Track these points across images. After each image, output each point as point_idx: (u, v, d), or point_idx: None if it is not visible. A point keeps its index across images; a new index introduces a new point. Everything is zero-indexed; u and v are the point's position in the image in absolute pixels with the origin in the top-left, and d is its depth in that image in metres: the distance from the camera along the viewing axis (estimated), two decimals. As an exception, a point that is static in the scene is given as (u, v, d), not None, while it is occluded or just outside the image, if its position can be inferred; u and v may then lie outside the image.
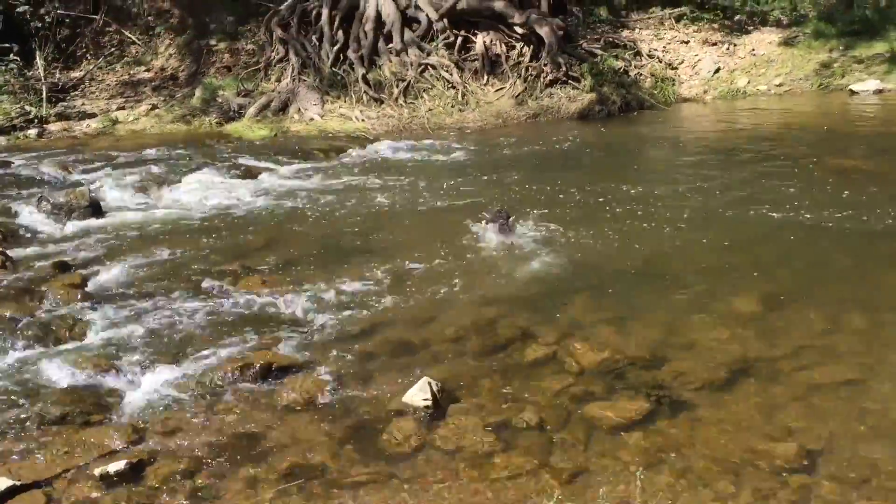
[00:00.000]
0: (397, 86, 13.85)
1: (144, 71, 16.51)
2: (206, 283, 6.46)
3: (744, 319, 5.42)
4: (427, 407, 4.36)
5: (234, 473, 3.95)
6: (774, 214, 7.52)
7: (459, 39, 14.56)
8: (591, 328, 5.45)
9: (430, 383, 4.44)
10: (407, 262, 6.78)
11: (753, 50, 15.66)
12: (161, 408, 4.59)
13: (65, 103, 15.51)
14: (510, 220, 7.43)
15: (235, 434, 4.29)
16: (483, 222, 7.51)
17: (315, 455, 4.06)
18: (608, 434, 4.17)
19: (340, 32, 14.46)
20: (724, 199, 8.15)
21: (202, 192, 9.97)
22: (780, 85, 14.84)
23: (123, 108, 15.33)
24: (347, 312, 5.80)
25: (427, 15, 14.61)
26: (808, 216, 7.40)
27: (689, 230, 7.33)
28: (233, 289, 6.37)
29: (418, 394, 4.38)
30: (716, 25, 16.22)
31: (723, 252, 6.78)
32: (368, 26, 14.38)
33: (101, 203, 9.21)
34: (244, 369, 4.84)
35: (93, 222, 8.69)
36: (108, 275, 6.82)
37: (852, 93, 14.00)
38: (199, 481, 3.89)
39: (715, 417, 4.27)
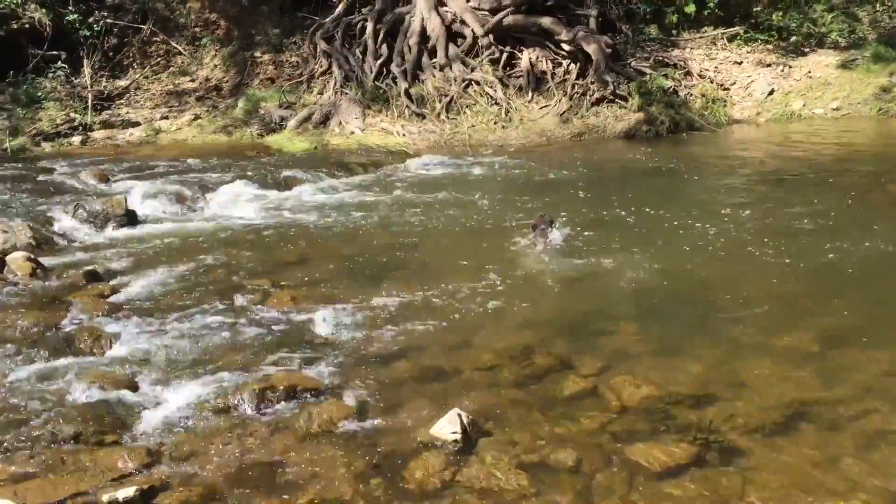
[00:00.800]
0: (440, 101, 13.67)
1: (189, 81, 16.57)
2: (235, 299, 6.29)
3: (800, 358, 5.04)
4: (456, 441, 4.07)
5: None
6: (832, 244, 7.11)
7: (505, 55, 14.36)
8: (633, 360, 5.12)
9: (459, 415, 4.16)
10: (442, 283, 6.52)
11: (809, 72, 15.18)
12: (178, 429, 4.36)
13: (109, 111, 15.61)
14: (553, 225, 7.48)
15: (254, 461, 4.05)
16: (531, 232, 7.54)
17: (337, 488, 3.79)
18: (651, 480, 3.84)
19: (384, 46, 14.35)
20: (777, 227, 7.75)
21: (237, 203, 9.90)
22: (836, 109, 14.32)
23: (167, 118, 15.38)
24: (377, 334, 5.56)
25: (472, 30, 14.42)
26: (869, 248, 6.98)
27: (739, 259, 6.95)
28: (261, 305, 6.18)
29: (447, 426, 4.10)
30: (770, 46, 15.76)
31: (776, 284, 6.39)
32: (413, 40, 14.24)
33: (137, 212, 9.16)
34: (267, 391, 4.60)
35: (128, 231, 8.64)
36: (137, 286, 6.70)
37: (913, 118, 13.46)
38: (215, 512, 3.66)
39: (769, 466, 3.91)
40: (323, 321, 5.77)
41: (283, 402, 4.57)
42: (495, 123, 13.53)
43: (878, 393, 4.55)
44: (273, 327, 5.72)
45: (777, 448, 4.08)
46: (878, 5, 16.52)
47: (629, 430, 4.28)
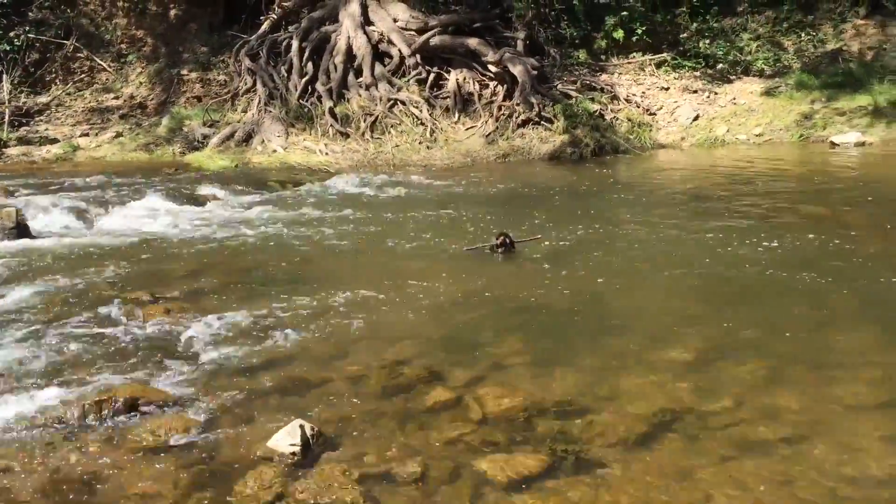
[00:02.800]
0: (364, 120, 13.50)
1: (113, 98, 16.18)
2: (106, 310, 5.99)
3: (678, 370, 4.86)
4: (293, 454, 3.79)
5: (52, 524, 3.38)
6: (732, 262, 7.03)
7: (432, 76, 14.27)
8: (507, 372, 4.91)
9: (302, 427, 3.88)
10: (333, 297, 6.28)
11: (734, 99, 15.35)
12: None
13: (28, 128, 15.17)
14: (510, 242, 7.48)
15: (75, 476, 3.72)
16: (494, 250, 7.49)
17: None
18: (497, 491, 3.60)
19: (310, 64, 14.16)
20: (684, 247, 7.66)
21: (143, 218, 9.62)
22: (759, 135, 14.48)
23: (87, 135, 14.99)
24: (248, 346, 5.27)
25: (399, 50, 14.32)
26: (769, 264, 6.91)
27: (639, 276, 6.83)
28: (133, 317, 5.87)
29: (285, 438, 3.82)
30: (697, 73, 15.92)
31: (670, 300, 6.27)
32: (338, 59, 14.08)
33: (31, 226, 8.78)
34: (105, 404, 4.28)
35: (17, 244, 8.28)
36: (12, 298, 6.37)
37: (833, 144, 13.62)
38: (9, 531, 3.32)
39: (624, 477, 3.70)
40: (191, 333, 5.47)
41: (121, 415, 4.25)
42: (420, 143, 13.38)
43: (748, 406, 4.38)
44: (137, 339, 5.41)
45: (636, 459, 3.88)
46: (802, 35, 16.83)
47: (485, 441, 4.04)
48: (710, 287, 6.49)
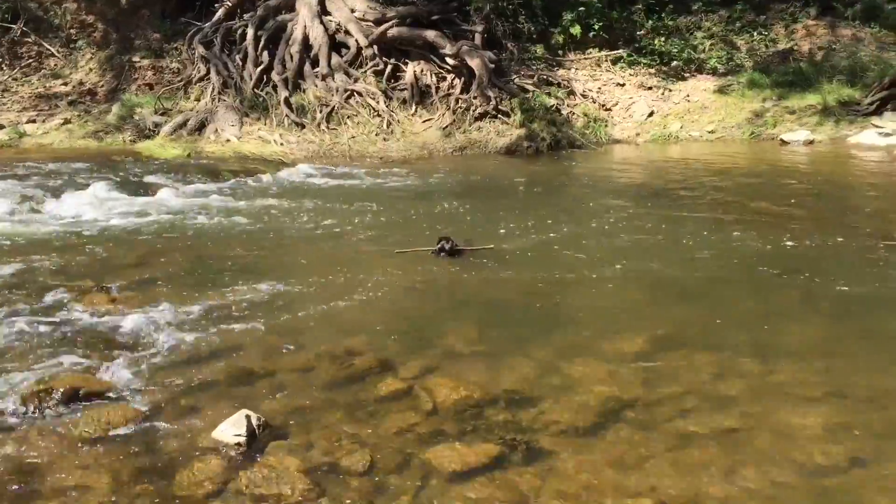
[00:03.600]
0: (320, 111, 13.37)
1: (62, 84, 15.75)
2: (48, 298, 5.83)
3: (628, 361, 4.89)
4: (238, 444, 3.72)
5: (-14, 517, 3.27)
6: (683, 256, 7.13)
7: (389, 67, 14.18)
8: (460, 363, 4.89)
9: (248, 417, 3.82)
10: (285, 287, 6.20)
11: (688, 96, 15.54)
12: (-72, 436, 3.88)
13: (-29, 113, 14.68)
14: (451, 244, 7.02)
15: (7, 468, 3.59)
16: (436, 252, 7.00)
17: (92, 496, 3.39)
18: (445, 482, 3.58)
19: (265, 54, 13.96)
20: (634, 240, 7.73)
21: (91, 206, 9.36)
22: (712, 132, 14.68)
23: (34, 122, 14.57)
24: (195, 336, 5.16)
25: (357, 41, 14.21)
26: (718, 258, 7.01)
27: (592, 270, 6.84)
28: (76, 306, 5.72)
29: (230, 429, 3.75)
30: (652, 70, 16.08)
31: (621, 293, 6.31)
32: (294, 49, 13.90)
33: (-34, 213, 8.54)
34: (44, 394, 4.16)
35: (-45, 231, 7.99)
36: (-58, 286, 6.14)
37: (783, 142, 13.88)
38: (-62, 525, 3.20)
39: (570, 467, 3.71)
40: (137, 322, 5.34)
41: (61, 406, 4.13)
42: (377, 135, 13.30)
43: (697, 395, 4.43)
44: (79, 329, 5.28)
45: (585, 448, 3.89)
46: (755, 34, 17.10)
47: (435, 431, 4.02)
48: (660, 281, 6.55)
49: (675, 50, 16.30)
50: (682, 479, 3.61)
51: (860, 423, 4.11)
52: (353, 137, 13.16)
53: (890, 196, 10.26)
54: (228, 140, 12.91)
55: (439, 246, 6.94)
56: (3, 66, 16.00)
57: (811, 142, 13.72)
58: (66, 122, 14.46)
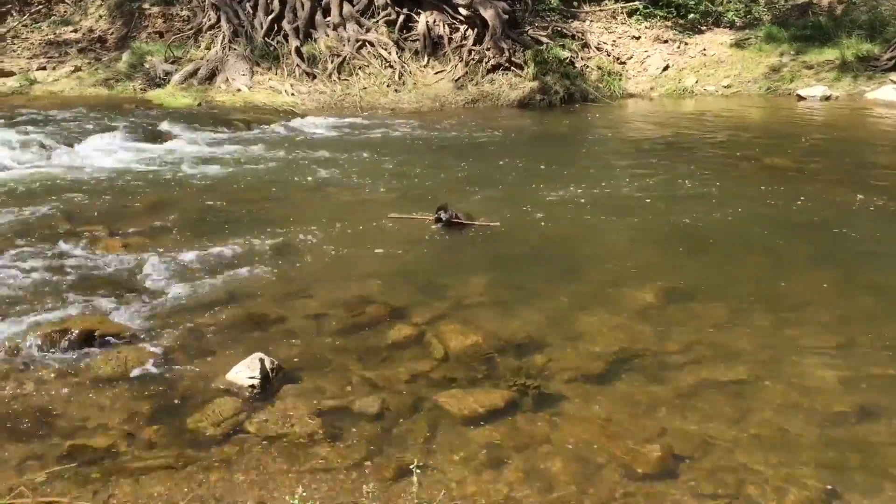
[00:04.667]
0: (332, 61, 13.22)
1: (72, 31, 15.63)
2: (62, 244, 5.87)
3: (639, 310, 4.91)
4: (252, 387, 3.77)
5: (5, 451, 3.32)
6: (697, 209, 7.05)
7: (401, 18, 13.97)
8: (472, 310, 4.91)
9: (262, 360, 3.85)
10: (296, 236, 6.22)
11: (704, 50, 15.28)
12: (-53, 374, 3.94)
13: (-19, 60, 14.61)
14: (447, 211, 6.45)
15: (24, 407, 3.66)
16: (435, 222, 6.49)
17: (108, 436, 3.45)
18: (456, 426, 3.62)
19: (276, 2, 13.75)
20: (649, 192, 7.67)
21: (102, 154, 9.37)
22: (727, 86, 14.47)
23: (44, 69, 14.49)
24: (207, 281, 5.20)
25: (369, -11, 13.99)
26: (731, 212, 6.94)
27: (607, 220, 6.82)
28: (89, 250, 5.77)
29: (244, 371, 3.79)
30: (668, 23, 15.79)
31: (635, 243, 6.30)
32: (306, -3, 13.71)
33: (-19, 159, 8.56)
34: (59, 335, 4.21)
35: (-33, 177, 8.02)
36: (-43, 229, 6.20)
37: (799, 98, 13.67)
38: (-40, 459, 3.26)
39: (581, 413, 3.74)
40: (150, 267, 5.38)
41: (75, 347, 4.18)
42: (388, 87, 13.15)
43: (707, 345, 4.45)
44: (93, 273, 5.32)
45: (595, 396, 3.92)
46: (774, -13, 16.78)
47: (446, 377, 4.05)
48: (672, 234, 6.51)
49: (692, 2, 15.99)
50: (692, 426, 3.64)
51: (871, 374, 4.12)
52: (365, 88, 13.03)
53: (906, 153, 10.14)
54: (239, 90, 12.82)
55: (436, 215, 6.44)
56: (12, 11, 15.88)
57: (828, 97, 13.52)
58: (77, 69, 14.37)
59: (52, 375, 3.94)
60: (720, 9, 16.24)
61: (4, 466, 3.24)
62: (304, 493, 2.96)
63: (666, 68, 14.82)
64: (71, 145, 9.54)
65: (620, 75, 14.50)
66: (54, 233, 6.17)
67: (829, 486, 3.23)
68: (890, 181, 8.18)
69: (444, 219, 6.38)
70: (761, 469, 3.32)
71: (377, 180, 8.16)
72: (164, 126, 10.76)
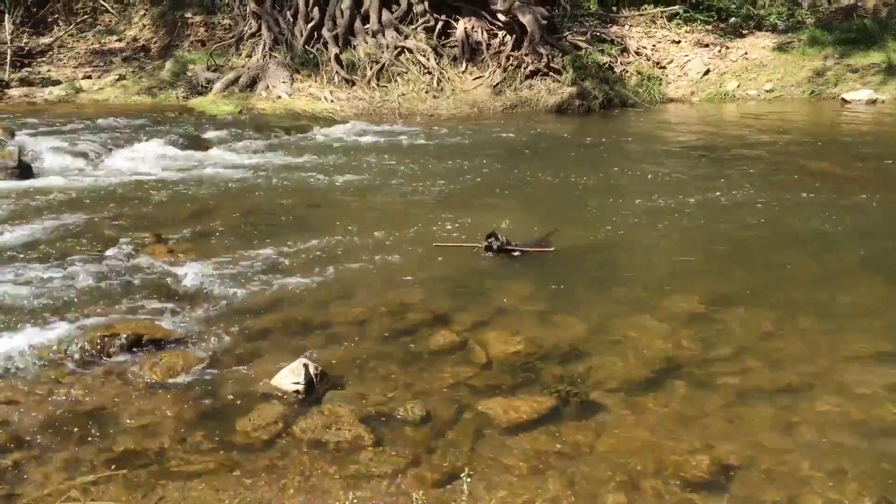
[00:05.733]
0: (371, 68, 13.32)
1: (116, 41, 15.98)
2: (109, 250, 5.98)
3: (683, 318, 4.85)
4: (297, 392, 3.79)
5: (57, 454, 3.38)
6: (741, 215, 7.00)
7: (440, 24, 14.05)
8: (514, 317, 4.90)
9: (306, 366, 3.88)
10: (338, 241, 6.28)
11: (746, 54, 15.12)
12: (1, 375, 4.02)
13: (30, 69, 15.00)
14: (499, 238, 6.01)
15: (75, 411, 3.72)
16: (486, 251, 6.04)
17: (156, 439, 3.49)
18: (500, 434, 3.61)
19: (316, 9, 13.92)
20: (692, 199, 7.59)
21: (147, 161, 9.56)
22: (770, 90, 14.29)
23: (90, 77, 14.83)
24: (251, 287, 5.25)
25: (408, -4, 14.07)
26: (776, 219, 6.87)
27: (647, 226, 6.79)
28: (136, 256, 5.85)
29: (289, 376, 3.82)
30: (709, 27, 15.67)
31: (677, 251, 6.24)
32: (345, 5, 13.83)
33: (34, 166, 8.75)
34: (108, 340, 4.28)
35: (19, 183, 8.26)
36: (15, 236, 6.38)
37: (844, 102, 13.46)
38: (13, 458, 3.33)
39: (626, 422, 3.71)
40: (196, 273, 5.45)
41: (125, 351, 4.25)
42: (427, 93, 13.22)
43: (754, 353, 4.38)
44: (140, 278, 5.38)
45: (640, 405, 3.88)
46: (817, -10, 16.54)
47: (490, 384, 4.04)
48: (717, 239, 6.45)
49: (734, 6, 15.89)
50: (739, 437, 3.58)
51: (924, 384, 4.02)
52: (403, 95, 13.11)
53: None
54: (279, 97, 12.96)
55: (486, 243, 5.98)
56: (59, 21, 16.26)
57: (874, 101, 13.28)
58: (121, 77, 14.67)
59: (102, 379, 4.01)
60: (762, 12, 16.07)
61: (55, 469, 3.29)
62: (354, 499, 2.97)
63: (707, 72, 14.69)
64: (117, 152, 9.73)
65: (660, 80, 14.41)
66: (103, 239, 6.28)
67: (882, 498, 3.15)
68: (940, 186, 8.01)
69: (494, 247, 5.95)
70: (812, 480, 3.25)
71: (417, 186, 8.18)
72: (207, 133, 10.93)
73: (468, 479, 2.87)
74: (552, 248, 6.07)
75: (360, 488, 3.16)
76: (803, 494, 3.16)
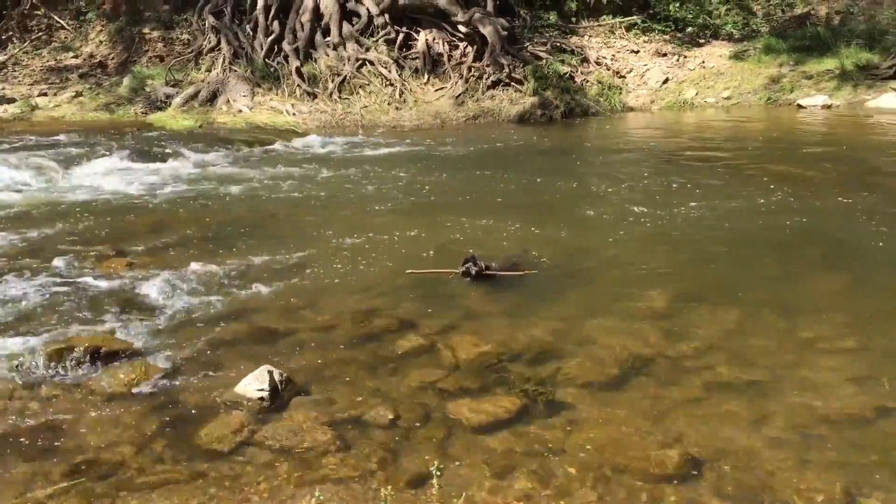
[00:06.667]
0: (332, 80, 13.26)
1: (72, 57, 15.71)
2: (63, 263, 5.82)
3: (650, 317, 4.86)
4: (262, 399, 3.72)
5: (13, 469, 3.27)
6: (703, 216, 7.05)
7: (401, 36, 14.04)
8: (481, 320, 4.88)
9: (270, 372, 3.81)
10: (300, 251, 6.18)
11: (703, 62, 15.33)
12: (-48, 393, 3.89)
13: (-17, 87, 14.67)
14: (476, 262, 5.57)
15: (30, 425, 3.61)
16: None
17: (116, 451, 3.40)
18: (469, 434, 3.57)
19: (276, 23, 13.84)
20: (655, 204, 7.62)
21: (105, 176, 9.37)
22: (728, 98, 14.49)
23: (46, 95, 14.55)
24: (214, 298, 5.15)
25: (368, 9, 14.06)
26: (738, 220, 6.92)
27: (612, 230, 6.79)
28: (93, 270, 5.72)
29: (253, 383, 3.74)
30: (667, 37, 15.85)
31: (644, 251, 6.26)
32: (305, 18, 13.77)
33: (-17, 183, 8.57)
34: (64, 353, 4.16)
35: (-26, 200, 8.02)
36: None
37: (800, 107, 13.69)
38: (-34, 477, 3.21)
39: (594, 419, 3.69)
40: (155, 285, 5.34)
41: (83, 365, 4.14)
42: (389, 105, 13.19)
43: (719, 349, 4.40)
44: (99, 291, 5.27)
45: (608, 402, 3.87)
46: (771, -1, 16.86)
47: (458, 386, 4.00)
48: (681, 242, 6.48)
49: (691, 16, 16.09)
50: (708, 431, 3.58)
51: (885, 374, 4.05)
52: (366, 107, 13.07)
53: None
54: (240, 111, 12.85)
55: (464, 269, 5.54)
56: (13, 38, 15.98)
57: (829, 106, 13.53)
58: (78, 94, 14.43)
59: (58, 392, 3.90)
60: (718, 22, 16.31)
61: (11, 483, 3.18)
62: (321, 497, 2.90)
63: (665, 81, 14.85)
64: (74, 168, 9.55)
65: (620, 89, 14.52)
66: (59, 253, 6.12)
67: (849, 486, 3.17)
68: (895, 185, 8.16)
69: (472, 273, 5.50)
70: (780, 471, 3.26)
71: (379, 197, 8.13)
72: (166, 148, 10.78)
73: (438, 473, 2.82)
74: (534, 271, 5.74)
75: (329, 493, 3.09)
76: (771, 485, 3.16)
